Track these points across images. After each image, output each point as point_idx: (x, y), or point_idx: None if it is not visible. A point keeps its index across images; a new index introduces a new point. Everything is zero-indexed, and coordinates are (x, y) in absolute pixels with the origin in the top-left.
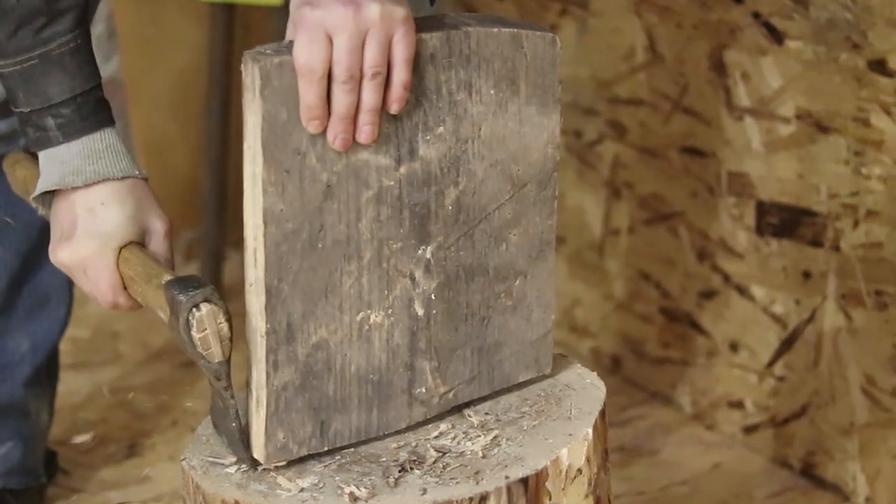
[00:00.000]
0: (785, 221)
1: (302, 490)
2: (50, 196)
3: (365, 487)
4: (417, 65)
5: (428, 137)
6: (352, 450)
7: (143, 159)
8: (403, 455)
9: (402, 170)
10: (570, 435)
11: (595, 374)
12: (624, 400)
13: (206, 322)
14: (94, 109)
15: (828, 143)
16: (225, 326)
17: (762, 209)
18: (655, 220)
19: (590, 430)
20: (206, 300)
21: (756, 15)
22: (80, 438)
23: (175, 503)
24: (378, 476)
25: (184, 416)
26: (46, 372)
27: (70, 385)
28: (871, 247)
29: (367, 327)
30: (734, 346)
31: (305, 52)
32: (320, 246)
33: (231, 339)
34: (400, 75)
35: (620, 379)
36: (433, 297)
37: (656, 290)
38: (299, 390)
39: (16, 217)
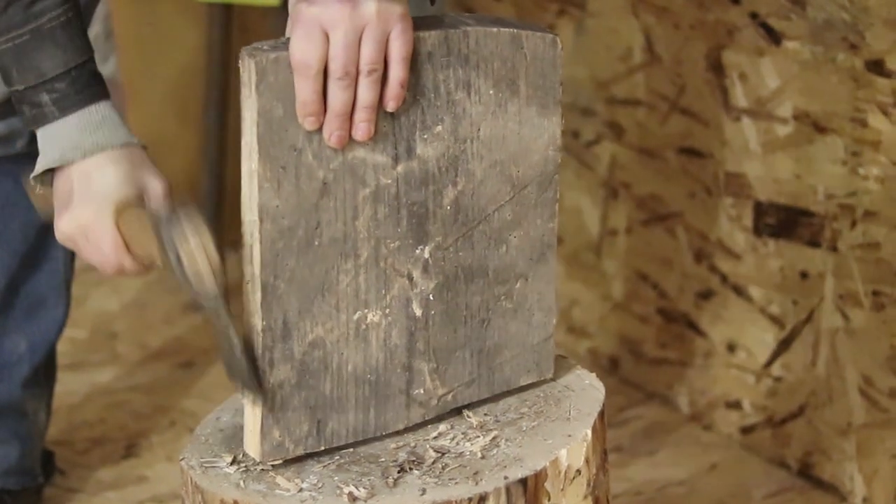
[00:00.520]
0: (782, 222)
1: (301, 490)
2: (50, 176)
3: (364, 488)
4: (415, 63)
5: (426, 136)
6: (351, 450)
7: None
8: (402, 455)
9: (400, 168)
10: (569, 436)
11: (594, 375)
12: (621, 400)
13: (195, 253)
14: (88, 82)
15: (825, 144)
16: (214, 254)
17: (760, 209)
18: (653, 220)
19: (589, 431)
20: (192, 230)
21: (753, 15)
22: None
23: (173, 503)
24: (377, 476)
25: (182, 416)
26: (44, 372)
27: (68, 385)
28: (869, 247)
29: (364, 327)
30: (732, 347)
31: (301, 47)
32: (317, 243)
33: (223, 270)
34: (396, 72)
35: (618, 379)
36: (431, 298)
37: (654, 291)
38: (295, 388)
39: (14, 218)
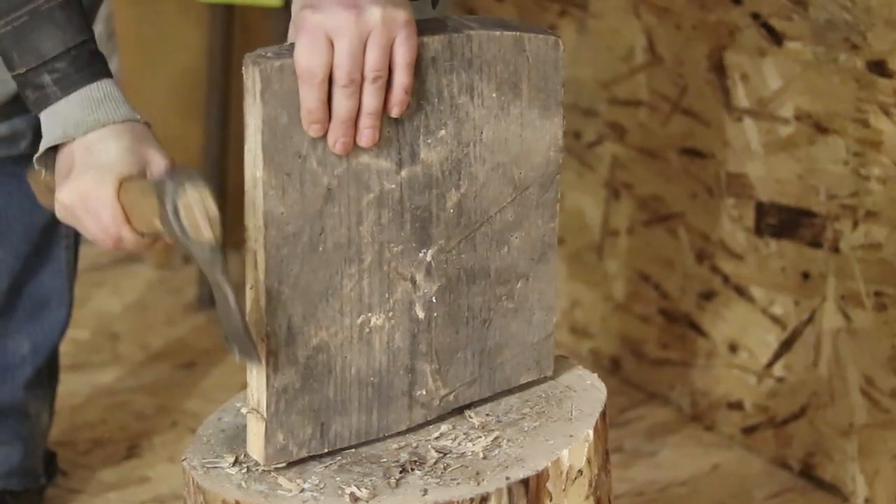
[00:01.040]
0: (784, 222)
1: (303, 490)
2: (53, 157)
3: (366, 488)
4: (419, 68)
5: (429, 141)
6: (353, 450)
7: None
8: (404, 456)
9: (404, 173)
10: (571, 436)
11: (596, 375)
12: (623, 401)
13: (193, 205)
14: (88, 61)
15: (827, 144)
16: (213, 206)
17: (761, 210)
18: (655, 220)
19: (590, 432)
20: (191, 184)
21: (755, 16)
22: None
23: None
24: (379, 477)
25: (183, 417)
26: (47, 373)
27: (69, 386)
28: (871, 248)
29: (367, 330)
30: (733, 347)
31: (306, 55)
32: (321, 249)
33: (221, 222)
34: (401, 79)
35: (620, 380)
36: (434, 300)
37: (655, 291)
38: (299, 392)
39: (17, 219)
